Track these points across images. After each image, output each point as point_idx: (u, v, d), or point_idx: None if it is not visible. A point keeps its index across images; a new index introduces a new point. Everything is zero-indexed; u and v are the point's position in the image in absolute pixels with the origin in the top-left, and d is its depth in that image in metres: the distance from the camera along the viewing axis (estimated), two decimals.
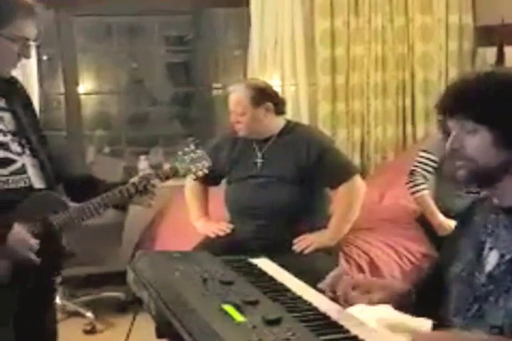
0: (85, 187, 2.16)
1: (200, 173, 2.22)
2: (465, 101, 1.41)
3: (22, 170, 1.97)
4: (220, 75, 4.71)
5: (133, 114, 5.06)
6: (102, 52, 4.94)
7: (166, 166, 2.21)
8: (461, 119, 1.42)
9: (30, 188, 1.98)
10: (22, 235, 1.89)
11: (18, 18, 1.92)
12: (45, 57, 4.50)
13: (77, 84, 4.34)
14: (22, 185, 1.96)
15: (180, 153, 2.18)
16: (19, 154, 1.99)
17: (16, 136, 2.00)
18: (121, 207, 2.15)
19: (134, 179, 2.13)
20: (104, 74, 4.96)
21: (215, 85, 4.64)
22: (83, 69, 4.64)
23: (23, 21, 1.94)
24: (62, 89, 4.33)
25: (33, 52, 2.02)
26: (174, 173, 2.18)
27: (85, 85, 4.70)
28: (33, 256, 1.91)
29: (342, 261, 3.14)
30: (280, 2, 4.11)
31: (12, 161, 1.96)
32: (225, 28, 4.88)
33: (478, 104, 1.39)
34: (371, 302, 1.54)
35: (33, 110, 2.12)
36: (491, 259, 1.41)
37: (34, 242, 1.91)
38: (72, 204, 2.06)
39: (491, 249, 1.43)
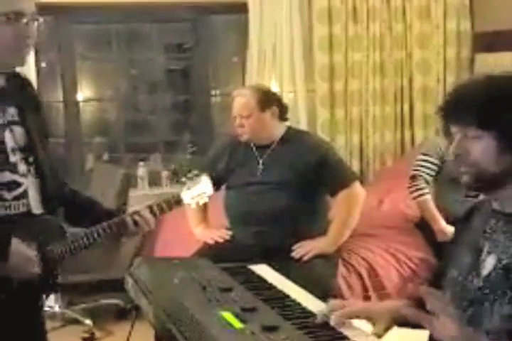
0: (84, 211, 2.08)
1: (201, 202, 2.16)
2: (467, 107, 1.40)
3: (24, 195, 1.87)
4: (219, 82, 4.72)
5: (132, 121, 5.06)
6: (101, 59, 4.95)
7: (170, 197, 2.10)
8: (463, 125, 1.42)
9: (30, 213, 1.88)
10: (22, 250, 1.81)
11: None
12: (43, 64, 4.51)
13: (76, 91, 4.35)
14: (23, 210, 1.86)
15: (183, 179, 2.12)
16: (25, 175, 1.88)
17: (25, 152, 1.88)
18: (118, 237, 2.06)
19: (132, 215, 2.01)
20: (103, 81, 4.96)
21: (213, 92, 4.65)
22: (82, 77, 4.65)
23: None
24: (61, 97, 4.34)
25: (31, 59, 1.88)
26: (177, 204, 2.10)
27: (84, 92, 4.70)
28: (35, 269, 1.84)
29: (341, 267, 3.14)
30: (278, 9, 4.13)
31: (18, 185, 1.85)
32: (223, 35, 4.89)
33: (481, 110, 1.38)
34: (379, 336, 1.50)
35: (42, 116, 1.99)
36: (488, 264, 1.41)
37: (34, 254, 1.84)
38: (70, 231, 1.98)
39: (488, 253, 1.42)
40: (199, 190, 2.12)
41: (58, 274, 1.97)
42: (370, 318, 1.53)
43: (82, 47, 4.69)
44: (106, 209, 2.13)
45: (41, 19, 1.86)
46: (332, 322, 1.46)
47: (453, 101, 1.45)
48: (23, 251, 1.82)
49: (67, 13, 4.14)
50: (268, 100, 3.00)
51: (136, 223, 1.99)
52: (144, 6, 4.22)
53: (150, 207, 2.03)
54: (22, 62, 1.87)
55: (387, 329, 1.53)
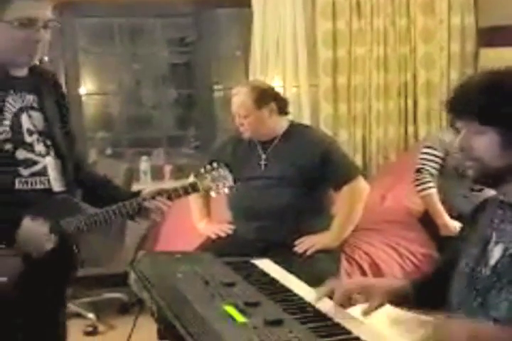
0: (104, 192, 2.16)
1: (221, 191, 2.18)
2: (470, 103, 1.42)
3: (43, 172, 1.98)
4: (221, 77, 4.71)
5: (135, 116, 5.06)
6: (104, 53, 4.94)
7: (187, 182, 2.16)
8: (467, 121, 1.44)
9: (50, 191, 1.98)
10: (32, 226, 1.89)
11: (15, 0, 1.86)
12: (46, 58, 4.50)
13: (78, 85, 4.35)
14: (41, 187, 1.97)
15: (202, 170, 2.15)
16: (43, 155, 1.99)
17: (42, 135, 2.00)
18: (133, 218, 2.11)
19: (150, 192, 2.09)
20: (105, 75, 4.96)
21: (216, 87, 4.64)
22: (85, 71, 4.64)
23: (22, 2, 1.87)
24: (64, 90, 4.33)
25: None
26: (193, 190, 2.13)
27: (87, 86, 4.70)
28: (48, 245, 1.91)
29: (344, 262, 3.14)
30: (282, 3, 4.11)
31: (34, 163, 1.96)
32: (226, 29, 4.88)
33: (484, 106, 1.40)
34: (371, 310, 1.52)
35: (64, 107, 2.12)
36: (496, 253, 1.44)
37: (45, 231, 1.90)
38: (88, 211, 2.05)
39: (496, 243, 1.45)
40: (219, 181, 2.15)
41: (78, 250, 2.07)
42: (367, 294, 1.56)
43: (85, 41, 4.69)
44: (126, 191, 2.23)
45: (57, 25, 2.00)
46: (335, 301, 1.52)
47: (456, 98, 1.47)
48: (33, 228, 1.90)
49: (70, 7, 4.12)
50: (264, 97, 2.98)
51: (151, 207, 2.04)
52: (147, 0, 4.21)
53: (167, 192, 2.08)
54: (29, 63, 1.99)
55: (379, 306, 1.53)
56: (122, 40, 4.72)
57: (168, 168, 4.40)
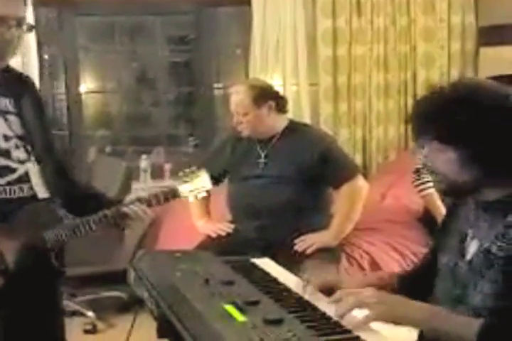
0: (86, 201, 2.09)
1: (199, 196, 2.17)
2: (428, 123, 1.46)
3: (24, 179, 1.90)
4: (221, 75, 4.71)
5: (134, 114, 5.05)
6: (103, 51, 4.94)
7: (167, 189, 2.13)
8: (428, 139, 1.47)
9: (34, 197, 1.91)
10: None
11: None
12: (46, 56, 4.50)
13: (78, 83, 4.34)
14: (23, 194, 1.89)
15: (181, 174, 2.14)
16: (22, 162, 1.91)
17: (23, 140, 1.92)
18: (117, 225, 2.07)
19: (130, 200, 2.06)
20: (105, 73, 4.95)
21: (216, 85, 4.64)
22: (85, 69, 4.64)
23: None
24: (63, 89, 4.33)
25: (34, 47, 1.88)
26: (174, 196, 2.11)
27: (87, 85, 4.70)
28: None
29: (344, 261, 3.14)
30: (282, 1, 4.12)
31: (11, 170, 1.88)
32: (226, 27, 4.87)
33: (438, 125, 1.43)
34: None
35: (43, 111, 2.03)
36: (471, 248, 1.49)
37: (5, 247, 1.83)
38: (67, 221, 1.99)
39: (472, 238, 1.50)
40: (197, 185, 2.14)
41: (61, 256, 2.00)
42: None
43: (84, 39, 4.68)
44: (107, 199, 2.15)
45: (29, 24, 1.88)
46: (306, 296, 1.58)
47: (416, 117, 1.51)
48: None
49: (71, 6, 4.13)
50: (263, 96, 2.98)
51: (131, 214, 2.01)
52: None
53: (147, 199, 2.05)
54: (2, 64, 1.89)
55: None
56: (122, 38, 4.72)
57: (168, 167, 4.40)
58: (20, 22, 1.84)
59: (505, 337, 1.33)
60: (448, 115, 1.42)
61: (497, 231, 1.43)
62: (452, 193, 1.53)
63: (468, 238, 1.51)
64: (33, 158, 1.93)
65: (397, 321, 1.39)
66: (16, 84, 1.95)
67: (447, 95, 1.46)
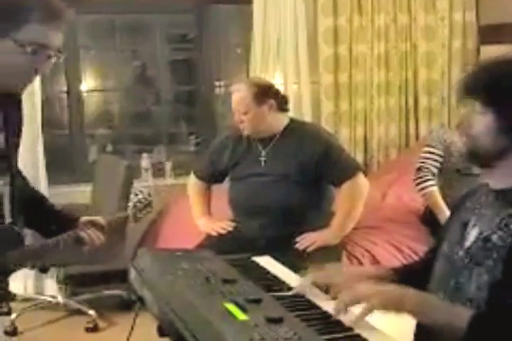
0: (46, 219, 2.03)
1: (142, 219, 2.16)
2: (475, 84, 1.47)
3: None
4: (222, 73, 4.71)
5: (135, 112, 5.05)
6: (104, 49, 4.94)
7: (120, 215, 2.15)
8: (472, 99, 1.47)
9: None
10: None
11: (33, 22, 1.64)
12: None
13: (79, 82, 4.34)
14: None
15: (135, 200, 2.11)
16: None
17: (2, 160, 1.80)
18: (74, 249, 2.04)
19: (86, 222, 2.04)
20: (106, 72, 4.95)
21: (217, 83, 4.64)
22: (86, 67, 4.63)
23: (41, 26, 1.66)
24: (64, 87, 4.33)
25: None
26: (125, 223, 2.15)
27: (87, 83, 4.69)
28: None
29: (345, 259, 3.14)
30: (282, 0, 4.11)
31: None
32: (227, 26, 4.87)
33: (486, 88, 1.44)
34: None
35: (20, 129, 1.88)
36: (471, 236, 1.49)
37: None
38: (28, 243, 1.93)
39: (473, 226, 1.50)
40: (145, 209, 2.13)
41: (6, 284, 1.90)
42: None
43: (85, 37, 4.68)
44: (69, 218, 2.08)
45: (61, 56, 1.76)
46: (296, 290, 1.60)
47: (469, 76, 1.51)
48: None
49: (71, 4, 4.11)
50: (264, 94, 2.98)
51: (86, 239, 2.00)
52: None
53: (101, 225, 2.05)
54: (18, 93, 1.80)
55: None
56: (123, 36, 4.72)
57: (169, 165, 4.40)
58: (56, 54, 1.73)
59: (496, 328, 1.32)
60: (498, 78, 1.43)
61: (500, 220, 1.42)
62: (471, 159, 1.51)
63: (470, 225, 1.50)
64: (7, 179, 1.81)
65: (393, 310, 1.39)
66: (7, 98, 1.80)
67: (499, 62, 1.48)
